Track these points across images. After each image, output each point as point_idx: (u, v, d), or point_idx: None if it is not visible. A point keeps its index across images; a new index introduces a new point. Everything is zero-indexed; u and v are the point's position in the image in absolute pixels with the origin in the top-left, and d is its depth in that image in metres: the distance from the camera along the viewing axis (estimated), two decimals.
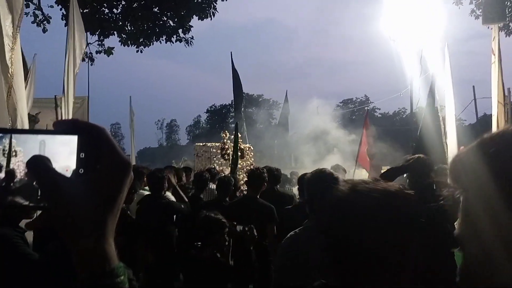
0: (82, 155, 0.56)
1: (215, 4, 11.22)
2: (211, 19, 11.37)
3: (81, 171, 0.56)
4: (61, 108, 6.10)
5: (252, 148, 10.29)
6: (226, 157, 9.36)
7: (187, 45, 12.14)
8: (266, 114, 61.22)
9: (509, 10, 12.42)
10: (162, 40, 11.90)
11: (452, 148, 7.59)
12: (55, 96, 6.91)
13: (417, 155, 3.99)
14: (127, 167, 0.55)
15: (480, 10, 10.18)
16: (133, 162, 13.96)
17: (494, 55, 7.48)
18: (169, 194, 4.95)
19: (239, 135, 9.29)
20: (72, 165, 0.56)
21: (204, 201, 5.12)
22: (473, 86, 22.14)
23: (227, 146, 9.46)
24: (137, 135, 15.96)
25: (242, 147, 9.45)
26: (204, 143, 10.58)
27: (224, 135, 9.75)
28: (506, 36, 13.27)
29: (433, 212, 2.58)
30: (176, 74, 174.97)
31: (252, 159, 10.14)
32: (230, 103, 51.83)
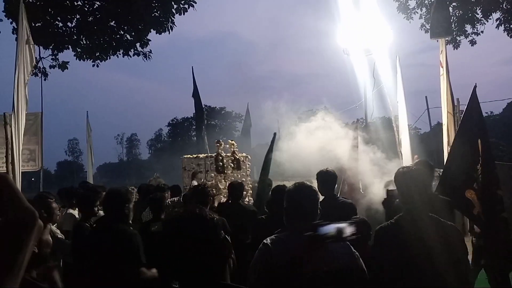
0: None
1: (172, 18, 11.17)
2: (169, 33, 11.31)
3: None
4: (11, 126, 5.84)
5: (250, 158, 9.13)
6: (220, 169, 8.41)
7: (145, 59, 12.01)
8: (229, 126, 61.50)
9: (455, 24, 13.12)
10: (119, 54, 11.71)
11: (406, 156, 7.87)
12: (4, 113, 6.62)
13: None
14: (31, 219, 0.49)
15: (429, 25, 10.68)
16: (91, 179, 13.56)
17: (443, 67, 7.84)
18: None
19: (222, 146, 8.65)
20: None
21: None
22: (426, 97, 23.07)
23: (221, 157, 8.46)
24: (96, 150, 15.53)
25: (238, 156, 8.66)
26: (195, 155, 9.30)
27: (218, 144, 8.62)
28: (454, 49, 13.99)
29: None
30: (135, 88, 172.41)
31: (249, 170, 9.06)
32: (192, 115, 51.62)
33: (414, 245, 2.70)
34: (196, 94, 12.61)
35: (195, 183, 7.44)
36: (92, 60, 11.66)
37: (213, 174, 8.59)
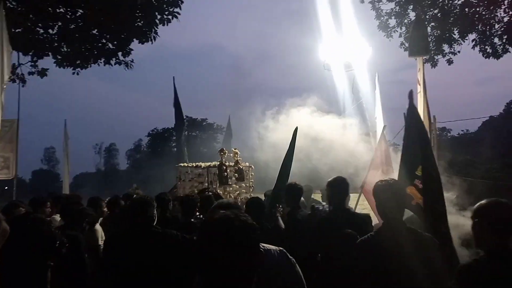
0: None
1: (156, 29, 11.20)
2: (152, 42, 11.32)
3: None
4: None
5: (253, 168, 8.27)
6: (224, 180, 7.70)
7: (126, 68, 11.95)
8: (210, 138, 61.33)
9: (433, 44, 13.53)
10: (101, 62, 11.64)
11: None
12: None
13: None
14: None
15: (408, 43, 10.96)
16: (67, 188, 13.32)
17: (420, 85, 8.06)
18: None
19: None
20: None
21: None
22: (404, 113, 23.33)
23: (225, 167, 7.73)
24: (73, 159, 15.27)
25: (242, 166, 8.04)
26: (195, 164, 8.20)
27: (222, 153, 7.89)
28: (432, 68, 14.38)
29: None
30: (116, 97, 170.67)
31: (252, 181, 8.20)
32: (173, 126, 51.46)
33: (393, 257, 2.79)
34: (177, 105, 12.60)
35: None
36: (72, 67, 11.56)
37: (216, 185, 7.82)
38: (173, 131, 58.14)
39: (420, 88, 8.03)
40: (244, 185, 7.99)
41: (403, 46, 14.15)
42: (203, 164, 8.13)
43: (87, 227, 5.15)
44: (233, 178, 7.84)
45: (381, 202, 3.06)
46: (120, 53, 11.62)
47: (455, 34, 13.74)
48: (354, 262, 3.05)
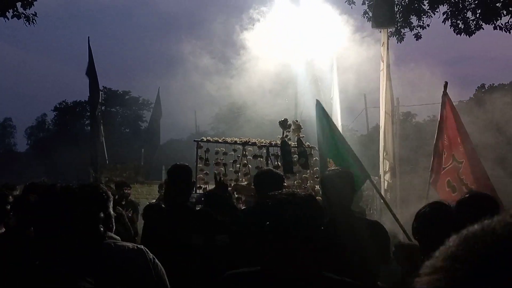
0: None
1: None
2: None
3: None
4: None
5: (317, 149, 6.96)
6: (289, 166, 6.43)
7: (28, 23, 11.42)
8: (134, 115, 60.08)
9: (400, 15, 13.99)
10: None
11: None
12: None
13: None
14: None
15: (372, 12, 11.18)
16: None
17: (383, 61, 8.33)
18: None
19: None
20: None
21: None
22: (364, 95, 24.09)
23: (288, 148, 6.57)
24: None
25: (306, 147, 6.97)
26: (241, 139, 6.98)
27: (285, 126, 6.63)
28: (398, 42, 14.84)
29: None
30: (14, 61, 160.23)
31: (317, 168, 6.88)
32: (86, 99, 49.62)
33: (339, 246, 3.08)
34: (91, 72, 12.20)
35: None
36: None
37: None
38: (86, 105, 56.25)
39: (383, 65, 8.30)
40: (312, 170, 6.88)
41: (367, 15, 14.44)
42: (257, 141, 6.81)
43: None
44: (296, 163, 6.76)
45: (329, 192, 3.41)
46: (19, 4, 11.05)
47: (425, 5, 14.23)
48: None
